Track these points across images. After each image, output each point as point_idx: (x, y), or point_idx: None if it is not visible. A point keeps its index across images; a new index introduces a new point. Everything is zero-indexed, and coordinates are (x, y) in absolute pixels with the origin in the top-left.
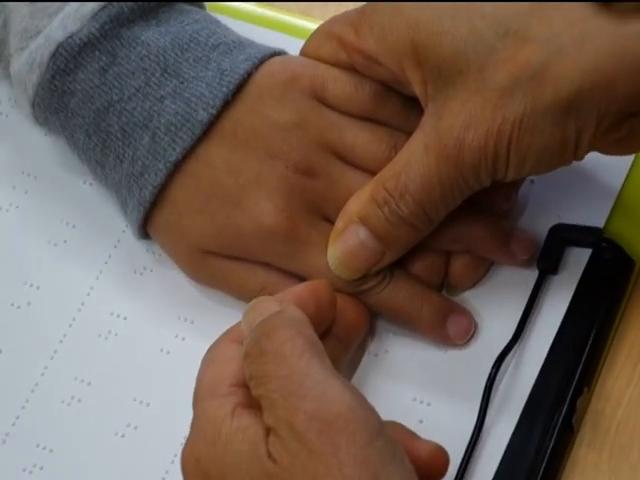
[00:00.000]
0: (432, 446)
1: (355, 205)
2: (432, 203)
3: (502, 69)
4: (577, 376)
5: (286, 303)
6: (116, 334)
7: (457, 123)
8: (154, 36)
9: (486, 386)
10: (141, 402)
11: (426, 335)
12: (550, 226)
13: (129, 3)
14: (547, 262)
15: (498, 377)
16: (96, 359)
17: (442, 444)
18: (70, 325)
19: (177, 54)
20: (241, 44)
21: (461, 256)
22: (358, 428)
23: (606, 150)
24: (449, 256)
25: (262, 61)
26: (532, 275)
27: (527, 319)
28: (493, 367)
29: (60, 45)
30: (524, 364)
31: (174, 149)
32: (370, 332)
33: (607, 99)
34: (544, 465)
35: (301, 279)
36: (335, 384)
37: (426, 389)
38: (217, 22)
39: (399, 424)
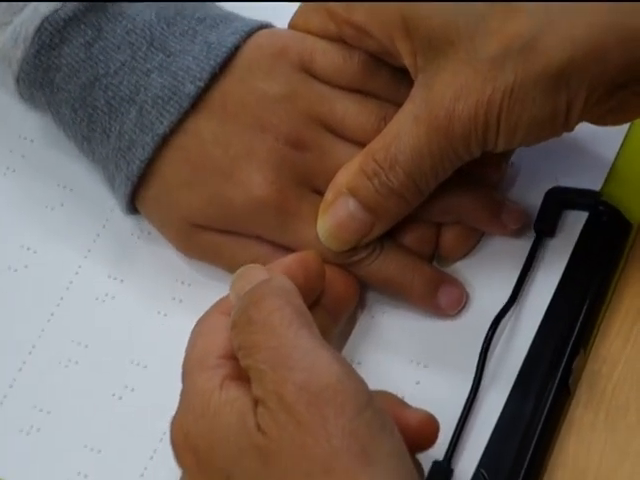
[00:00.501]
0: (422, 414)
1: (344, 177)
2: (422, 174)
3: (493, 39)
4: (574, 337)
5: (274, 271)
6: (113, 297)
7: (447, 94)
8: (140, 10)
9: (482, 348)
10: (138, 364)
11: (417, 306)
12: (547, 189)
13: None
14: (544, 224)
15: (494, 340)
16: (93, 322)
17: (439, 405)
18: (67, 288)
19: (163, 28)
20: (227, 18)
21: (452, 227)
22: (347, 399)
23: (596, 121)
24: (440, 227)
25: (249, 34)
26: (528, 239)
27: (524, 281)
28: (489, 329)
29: (45, 19)
30: (520, 326)
31: (162, 122)
32: (360, 304)
33: (598, 69)
34: (540, 426)
35: (292, 252)
36: (324, 355)
37: (423, 352)
38: None
39: (389, 393)
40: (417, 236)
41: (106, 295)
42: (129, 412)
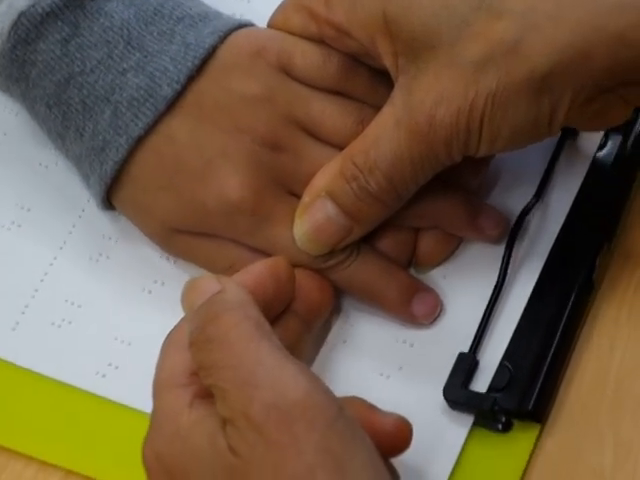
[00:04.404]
0: (395, 418)
1: (323, 179)
2: (402, 180)
3: (475, 44)
4: (598, 232)
5: (226, 280)
6: None
7: (428, 99)
8: (118, 8)
9: (507, 242)
10: (168, 259)
11: (391, 313)
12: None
13: None
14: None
15: (519, 236)
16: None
17: (465, 297)
18: None
19: (141, 27)
20: (206, 17)
21: (429, 232)
22: (316, 414)
23: (580, 125)
24: (417, 233)
25: (228, 34)
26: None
27: (548, 179)
28: (515, 224)
29: (22, 14)
30: (546, 222)
31: (136, 124)
32: (336, 310)
33: (582, 75)
34: (564, 320)
35: (268, 255)
36: (289, 368)
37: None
38: None
39: (358, 399)
40: (394, 241)
41: None
42: (159, 305)
